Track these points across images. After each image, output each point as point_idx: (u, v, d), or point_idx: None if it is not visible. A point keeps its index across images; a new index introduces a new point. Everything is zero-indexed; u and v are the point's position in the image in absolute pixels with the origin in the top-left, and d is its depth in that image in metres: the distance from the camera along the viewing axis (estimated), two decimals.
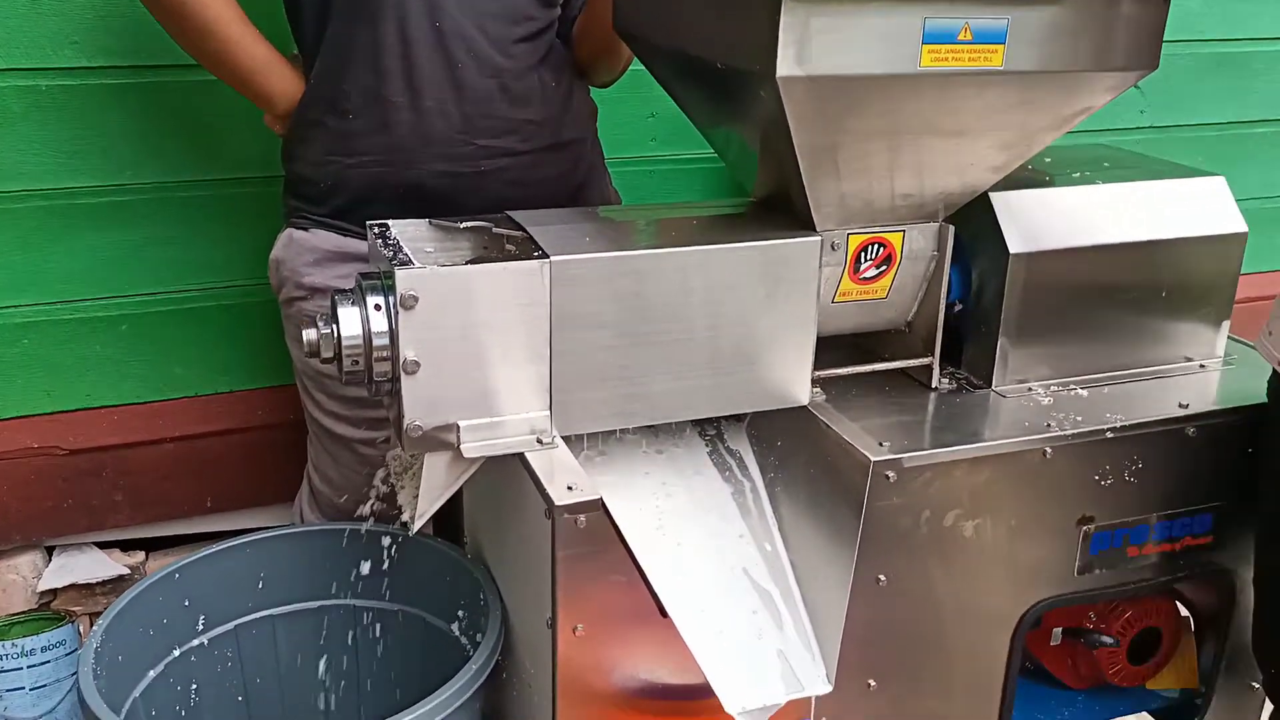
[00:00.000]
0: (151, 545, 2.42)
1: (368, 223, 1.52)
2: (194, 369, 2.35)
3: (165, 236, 2.24)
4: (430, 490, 1.45)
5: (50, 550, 2.36)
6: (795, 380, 1.58)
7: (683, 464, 1.63)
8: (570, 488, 1.36)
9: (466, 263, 1.38)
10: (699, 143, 1.83)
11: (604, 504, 1.35)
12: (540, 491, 1.38)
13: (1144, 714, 2.03)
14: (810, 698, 1.41)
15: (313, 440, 2.05)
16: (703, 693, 1.44)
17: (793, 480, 1.61)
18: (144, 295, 2.27)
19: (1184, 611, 1.95)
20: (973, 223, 1.66)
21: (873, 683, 1.61)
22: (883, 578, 1.55)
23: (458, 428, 1.42)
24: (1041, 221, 1.68)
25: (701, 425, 1.70)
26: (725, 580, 1.48)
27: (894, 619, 1.59)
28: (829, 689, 1.40)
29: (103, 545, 2.39)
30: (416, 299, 1.35)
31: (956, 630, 1.64)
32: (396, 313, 1.36)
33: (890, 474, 1.49)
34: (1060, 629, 1.91)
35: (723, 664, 1.38)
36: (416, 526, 1.49)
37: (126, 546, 2.41)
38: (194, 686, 1.78)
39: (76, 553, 2.34)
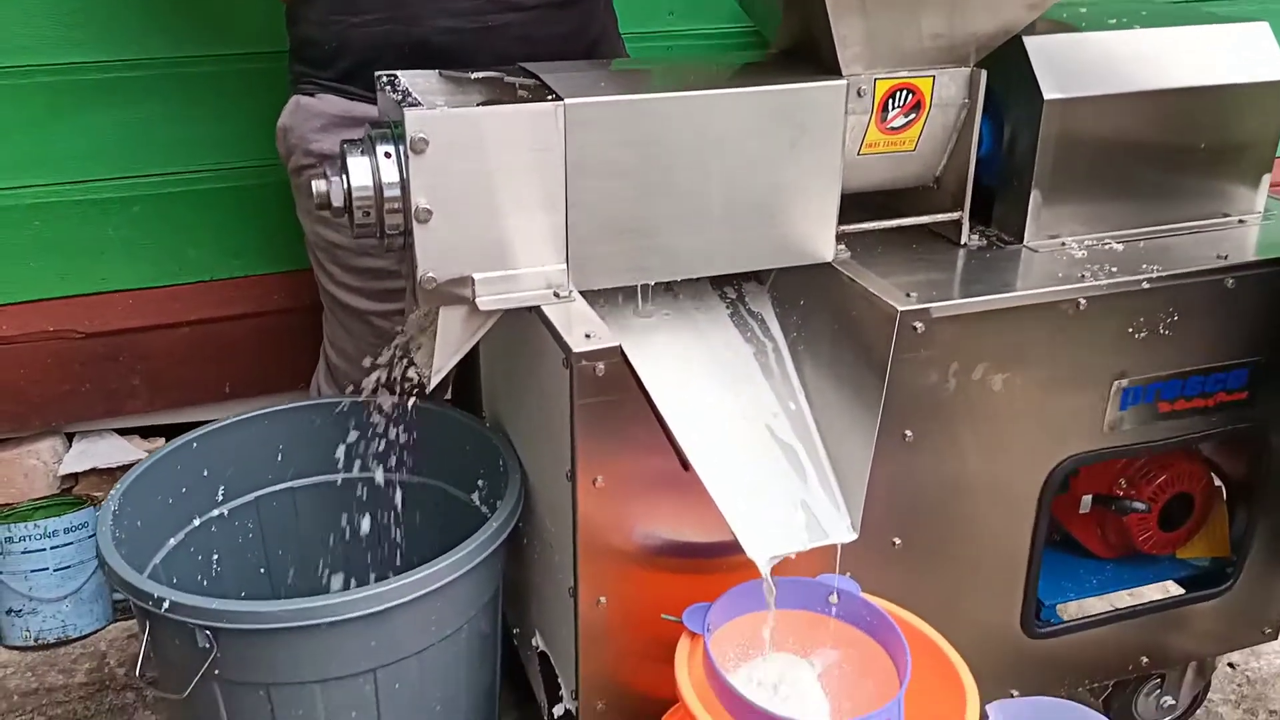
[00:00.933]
0: (171, 432, 2.39)
1: (376, 73, 1.47)
2: (208, 252, 2.31)
3: (174, 115, 2.19)
4: (446, 346, 1.42)
5: (71, 436, 2.35)
6: (819, 235, 1.53)
7: (704, 326, 1.59)
8: (588, 335, 1.33)
9: (478, 105, 1.33)
10: (718, 15, 1.76)
11: (623, 352, 1.32)
12: (558, 341, 1.34)
13: (1169, 583, 2.01)
14: (836, 552, 1.39)
15: (327, 316, 2.02)
16: (726, 549, 1.43)
17: (816, 338, 1.56)
18: (155, 175, 2.23)
19: (1216, 481, 1.92)
20: (1006, 69, 1.59)
21: (898, 541, 1.59)
22: (909, 433, 1.52)
23: (472, 281, 1.38)
24: (1077, 67, 1.60)
25: (722, 288, 1.66)
26: (747, 435, 1.45)
27: (920, 476, 1.56)
28: (854, 537, 1.37)
29: (122, 432, 2.38)
30: (427, 143, 1.30)
31: (984, 488, 1.61)
32: (407, 158, 1.32)
33: (918, 325, 1.44)
34: (1090, 496, 1.88)
35: (746, 514, 1.35)
36: (434, 383, 1.46)
37: (146, 433, 2.40)
38: (215, 556, 1.78)
39: (97, 439, 2.34)
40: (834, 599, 1.45)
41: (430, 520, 1.84)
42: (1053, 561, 1.86)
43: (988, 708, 1.36)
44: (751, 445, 1.43)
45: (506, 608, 1.91)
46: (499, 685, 1.73)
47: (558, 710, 1.60)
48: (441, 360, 1.44)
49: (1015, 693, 1.80)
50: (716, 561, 1.49)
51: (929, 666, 1.40)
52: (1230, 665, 2.23)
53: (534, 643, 1.74)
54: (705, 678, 1.34)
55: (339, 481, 1.84)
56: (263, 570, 1.86)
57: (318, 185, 1.38)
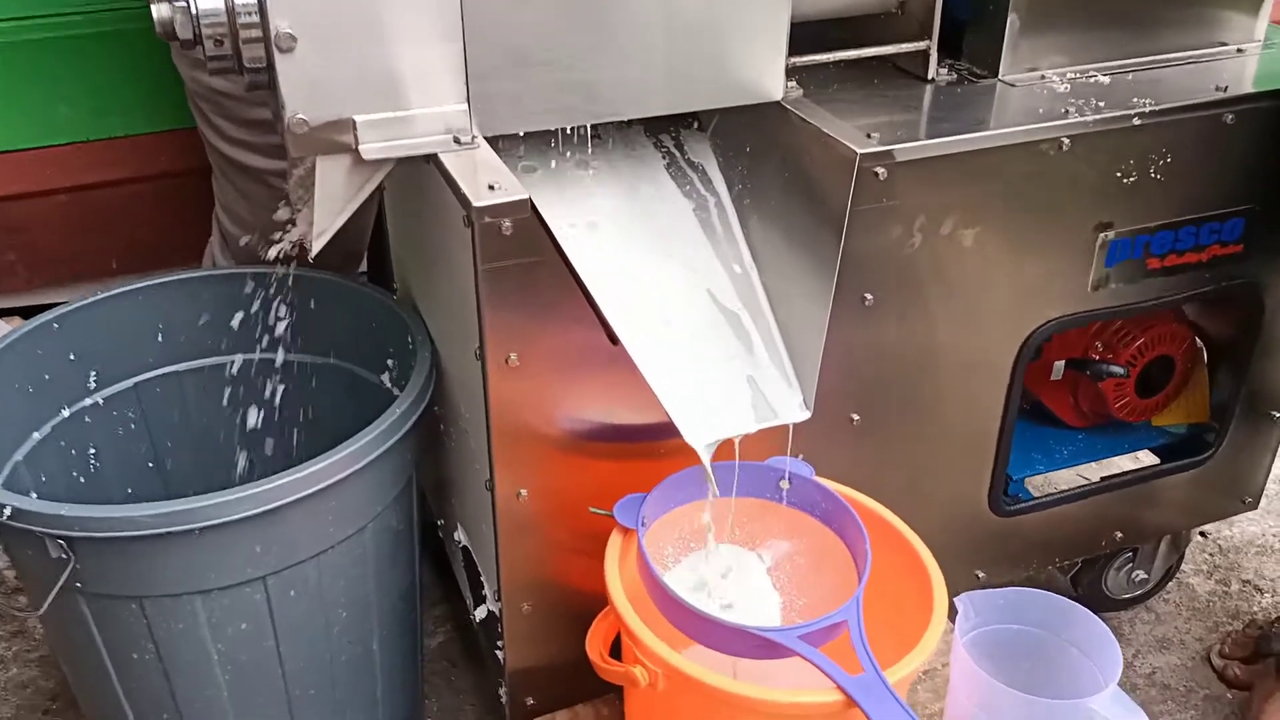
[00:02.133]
0: None
1: None
2: (82, 109, 2.05)
3: None
4: (327, 203, 1.20)
5: None
6: (767, 70, 1.31)
7: (636, 178, 1.38)
8: (493, 187, 1.12)
9: None
10: None
11: (534, 206, 1.11)
12: (457, 195, 1.13)
13: (1144, 453, 1.87)
14: (788, 432, 1.21)
15: (218, 177, 1.79)
16: (663, 431, 1.25)
17: (764, 191, 1.36)
18: (16, 20, 1.95)
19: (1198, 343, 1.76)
20: None
21: (856, 417, 1.42)
22: (869, 296, 1.34)
23: (354, 124, 1.16)
24: None
25: (657, 135, 1.44)
26: (685, 302, 1.26)
27: (881, 344, 1.39)
28: (807, 416, 1.20)
29: (3, 313, 2.15)
30: None
31: (952, 357, 1.44)
32: None
33: (879, 171, 1.25)
34: (1063, 362, 1.72)
35: (684, 394, 1.17)
36: (316, 248, 1.25)
37: (30, 314, 2.17)
38: (92, 451, 1.58)
39: None
40: (785, 484, 1.29)
41: (341, 406, 1.64)
42: (1020, 432, 1.71)
43: (956, 600, 1.22)
44: (690, 314, 1.24)
45: (430, 496, 1.74)
46: (419, 584, 1.56)
47: (479, 612, 1.44)
48: (324, 221, 1.22)
49: (980, 574, 1.67)
50: (652, 446, 1.31)
51: (891, 557, 1.25)
52: (1201, 534, 2.13)
53: (456, 538, 1.57)
54: (640, 577, 1.18)
55: (234, 364, 1.63)
56: (151, 465, 1.67)
57: (159, 10, 1.14)
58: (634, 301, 1.21)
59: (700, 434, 1.15)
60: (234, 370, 1.63)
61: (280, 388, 1.64)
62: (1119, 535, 1.75)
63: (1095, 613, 1.89)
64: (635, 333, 1.17)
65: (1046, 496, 1.67)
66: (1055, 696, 1.18)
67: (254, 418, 1.62)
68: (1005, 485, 1.66)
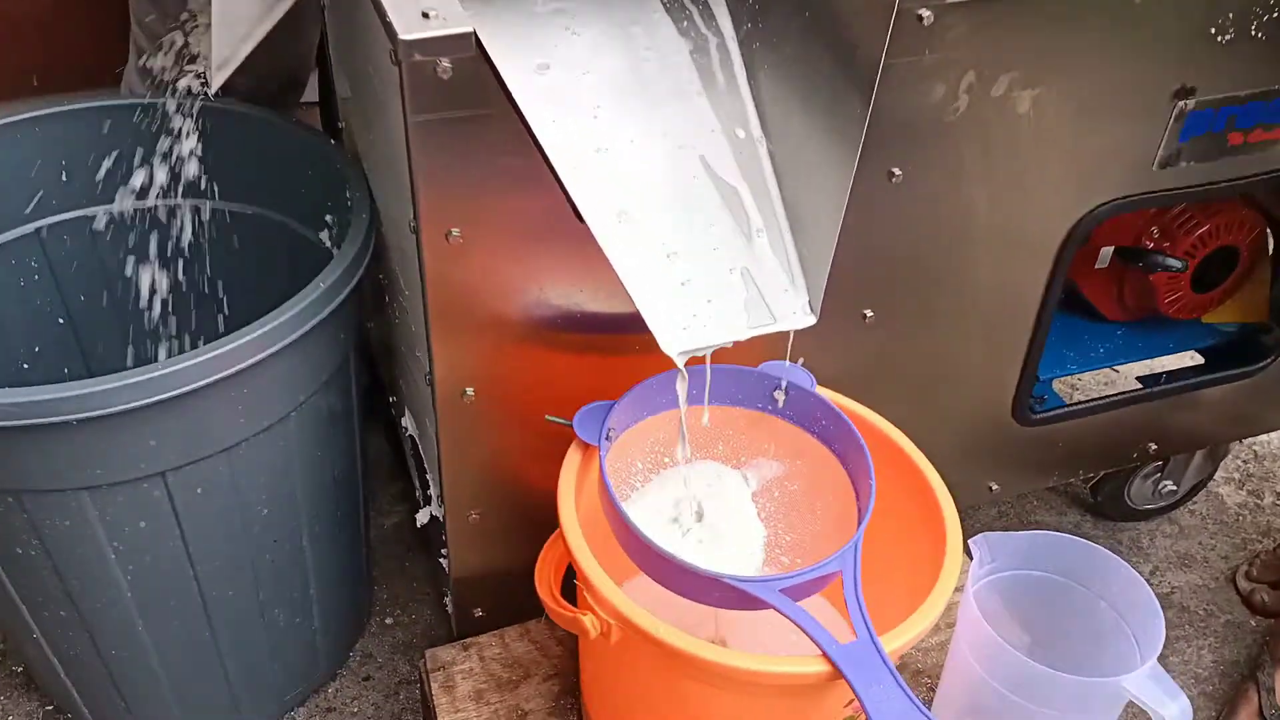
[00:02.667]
0: None
1: None
2: None
3: None
4: (227, 29, 0.96)
5: None
6: None
7: (622, 14, 1.12)
8: (428, 15, 0.87)
9: None
10: None
11: (479, 42, 0.87)
12: (383, 22, 0.88)
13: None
14: (788, 334, 1.00)
15: None
16: (635, 324, 1.03)
17: (779, 34, 1.10)
18: None
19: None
20: None
21: (869, 313, 1.21)
22: (897, 171, 1.11)
23: None
24: None
25: None
26: (672, 171, 1.02)
27: (906, 228, 1.16)
28: (811, 321, 0.98)
29: None
30: None
31: (989, 243, 1.22)
32: None
33: (924, 13, 1.00)
34: (1112, 249, 1.50)
35: (661, 287, 0.95)
36: (216, 82, 1.01)
37: None
38: None
39: None
40: (780, 395, 1.08)
41: (278, 265, 1.42)
42: (1053, 327, 1.50)
43: (971, 542, 1.03)
44: (676, 188, 1.01)
45: (380, 364, 1.54)
46: (365, 466, 1.38)
47: (423, 516, 1.26)
48: (224, 48, 0.98)
49: (994, 486, 1.48)
50: (624, 341, 1.11)
51: (900, 488, 1.05)
52: None
53: (404, 424, 1.38)
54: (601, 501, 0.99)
55: (151, 211, 1.41)
56: (62, 321, 1.46)
57: None
58: (605, 170, 0.97)
59: (678, 339, 0.94)
60: (147, 216, 1.40)
61: (205, 241, 1.42)
62: (1153, 447, 1.55)
63: (1114, 521, 1.77)
64: (604, 210, 0.95)
65: (1077, 405, 1.47)
66: (1079, 660, 1.01)
67: (167, 277, 1.41)
68: (1033, 387, 1.46)
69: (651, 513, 1.05)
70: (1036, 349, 1.36)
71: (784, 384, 1.07)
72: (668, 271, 0.96)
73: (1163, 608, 1.63)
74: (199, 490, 1.13)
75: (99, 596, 1.18)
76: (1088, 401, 1.49)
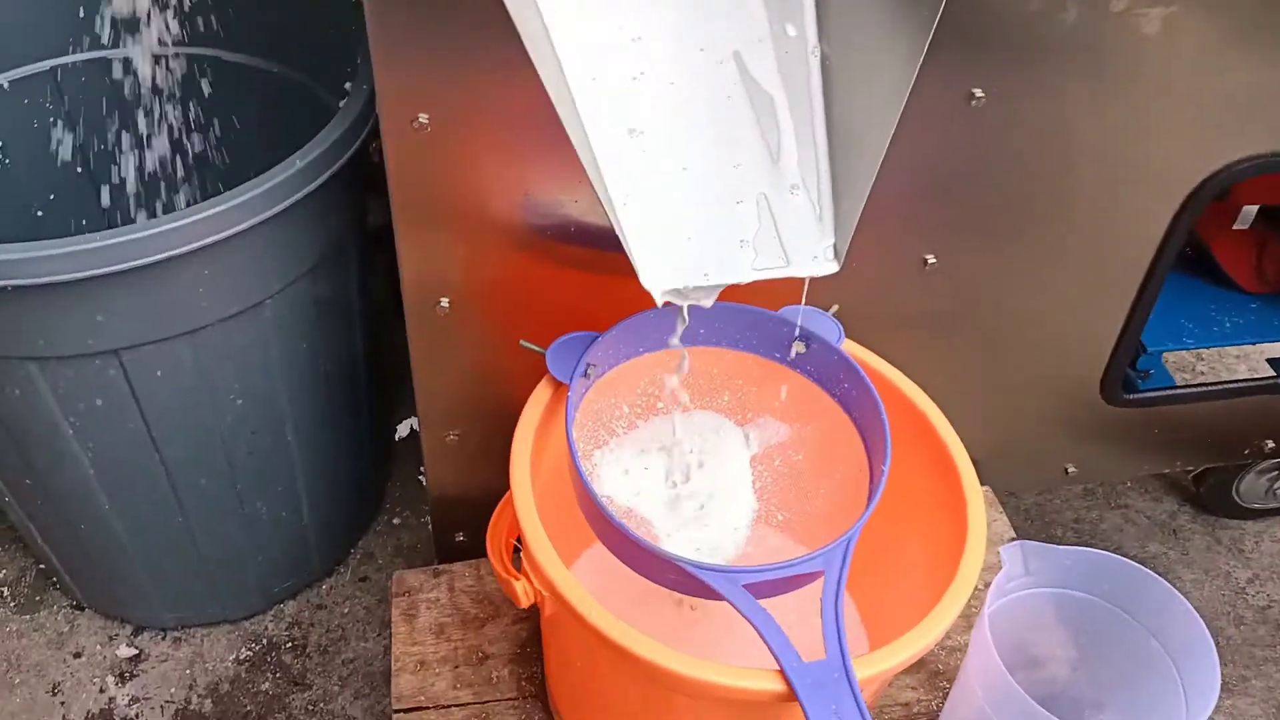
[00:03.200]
0: None
1: None
2: None
3: None
4: None
5: None
6: None
7: None
8: None
9: None
10: None
11: None
12: None
13: None
14: (803, 280, 0.83)
15: None
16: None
17: None
18: None
19: None
20: None
21: (931, 258, 1.02)
22: (979, 93, 0.91)
23: None
24: None
25: None
26: (694, 70, 0.85)
27: (985, 161, 0.97)
28: (834, 269, 0.81)
29: None
30: None
31: (1090, 187, 1.01)
32: None
33: None
34: (1256, 208, 1.26)
35: (652, 209, 0.79)
36: None
37: None
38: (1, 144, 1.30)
39: None
40: (800, 346, 0.92)
41: (270, 121, 1.30)
42: (1170, 290, 1.29)
43: (1002, 550, 0.86)
44: (698, 89, 0.83)
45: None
46: (364, 370, 1.27)
47: (403, 428, 1.15)
48: None
49: (1071, 469, 1.29)
50: (626, 262, 0.95)
51: (926, 471, 0.89)
52: None
53: None
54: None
55: (168, 58, 1.30)
56: (80, 171, 1.38)
57: None
58: (604, 56, 0.81)
59: (663, 274, 0.78)
60: (166, 64, 1.29)
61: (205, 93, 1.31)
62: (1269, 444, 1.33)
63: (1216, 516, 1.55)
64: (595, 101, 0.78)
65: (1185, 387, 1.26)
66: (1117, 704, 0.84)
67: (187, 137, 1.31)
68: (1134, 360, 1.25)
69: (630, 465, 0.91)
70: (1140, 316, 1.15)
71: (798, 332, 0.90)
72: (664, 191, 0.80)
73: (1257, 622, 1.45)
74: (158, 373, 1.04)
75: (60, 471, 1.11)
76: (1198, 385, 1.27)
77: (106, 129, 1.34)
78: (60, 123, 1.33)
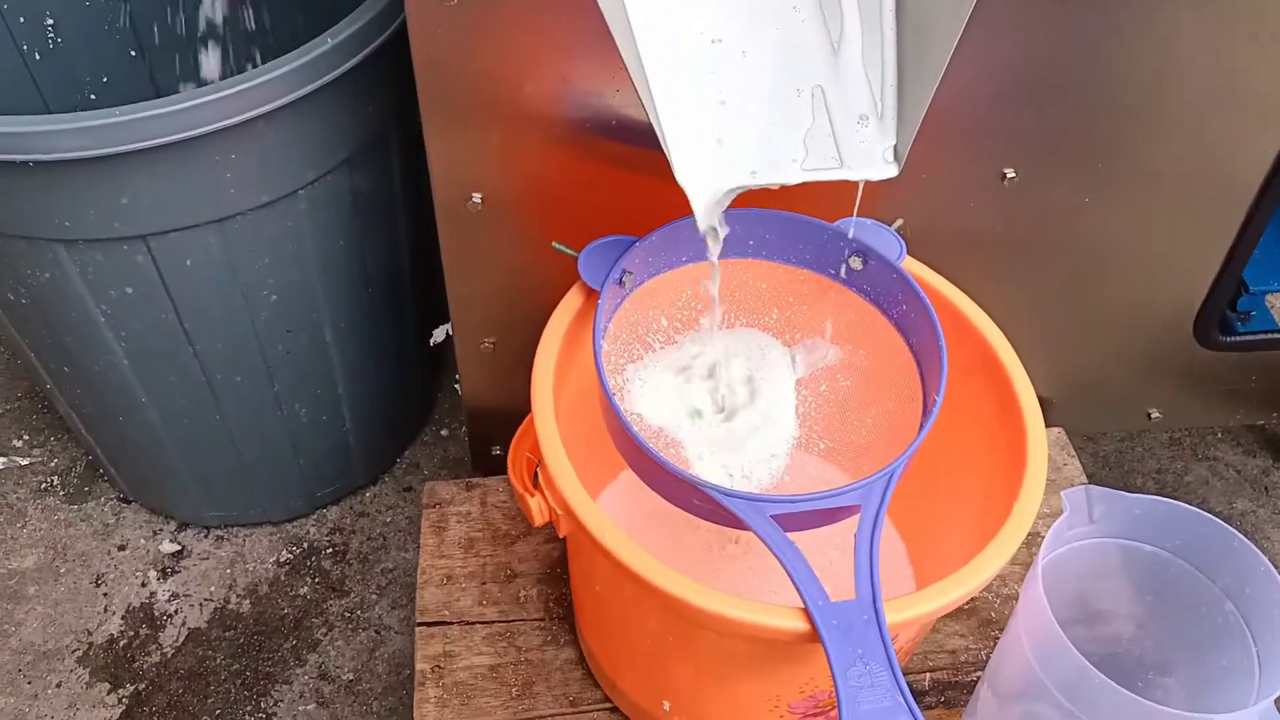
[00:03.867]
0: None
1: None
2: None
3: None
4: None
5: None
6: None
7: None
8: None
9: None
10: None
11: None
12: None
13: None
14: (859, 184, 0.75)
15: None
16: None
17: None
18: None
19: None
20: None
21: (1011, 173, 0.93)
22: None
23: None
24: None
25: None
26: None
27: (1075, 64, 0.87)
28: (893, 173, 0.73)
29: None
30: None
31: (1195, 94, 0.91)
32: None
33: None
34: None
35: (695, 102, 0.72)
36: None
37: None
38: (49, 22, 1.26)
39: None
40: (856, 262, 0.84)
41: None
42: None
43: (1064, 495, 0.78)
44: None
45: None
46: (411, 270, 1.22)
47: (438, 334, 1.10)
48: None
49: (1155, 414, 1.19)
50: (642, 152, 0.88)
51: (984, 404, 0.81)
52: None
53: None
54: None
55: None
56: (134, 54, 1.34)
57: None
58: None
59: (704, 178, 0.71)
60: None
61: None
62: None
63: None
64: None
65: None
66: (1183, 671, 0.77)
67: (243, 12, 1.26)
68: (1234, 300, 1.15)
69: (664, 382, 0.85)
70: (1243, 251, 1.05)
71: (850, 249, 0.83)
72: (708, 81, 0.72)
73: None
74: (187, 262, 1.00)
75: (95, 358, 1.09)
76: None
77: (162, 11, 1.30)
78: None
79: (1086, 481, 1.09)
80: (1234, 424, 1.39)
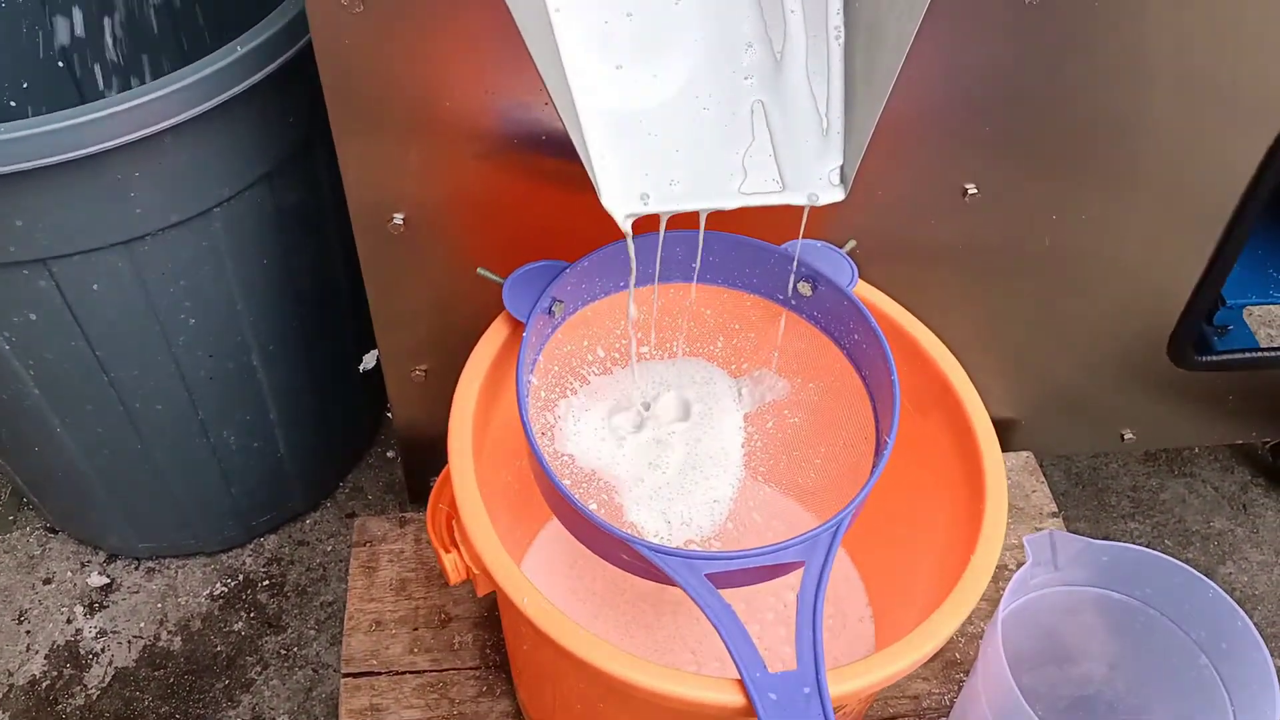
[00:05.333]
0: None
1: None
2: None
3: None
4: None
5: None
6: None
7: None
8: None
9: None
10: None
11: None
12: None
13: None
14: (803, 209, 0.69)
15: None
16: None
17: None
18: None
19: None
20: None
21: (972, 189, 0.87)
22: None
23: None
24: None
25: None
26: None
27: (1038, 70, 0.81)
28: (839, 197, 0.67)
29: None
30: None
31: (1169, 101, 0.85)
32: None
33: None
34: None
35: (621, 119, 0.65)
36: None
37: None
38: None
39: None
40: (805, 288, 0.78)
41: None
42: (1262, 235, 1.13)
43: (1026, 541, 0.73)
44: None
45: None
46: (348, 289, 1.16)
47: (368, 360, 1.04)
48: None
49: (1129, 435, 1.14)
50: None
51: (942, 442, 0.75)
52: None
53: None
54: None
55: None
56: (62, 65, 1.26)
57: None
58: None
59: (629, 196, 0.65)
60: None
61: None
62: None
63: None
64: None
65: (1272, 350, 1.09)
66: None
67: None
68: (1210, 313, 1.09)
69: (599, 419, 0.78)
70: (1224, 263, 0.99)
71: (794, 272, 0.76)
72: (636, 95, 0.66)
73: None
74: (94, 286, 0.93)
75: (3, 388, 1.02)
76: None
77: (86, 11, 1.23)
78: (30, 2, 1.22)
79: (1055, 510, 1.03)
80: (1211, 444, 1.34)
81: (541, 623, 0.62)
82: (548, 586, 0.88)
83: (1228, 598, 0.69)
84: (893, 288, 0.82)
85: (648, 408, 0.79)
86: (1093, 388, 1.07)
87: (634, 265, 0.69)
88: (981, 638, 0.92)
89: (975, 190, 0.86)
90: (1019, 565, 0.96)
